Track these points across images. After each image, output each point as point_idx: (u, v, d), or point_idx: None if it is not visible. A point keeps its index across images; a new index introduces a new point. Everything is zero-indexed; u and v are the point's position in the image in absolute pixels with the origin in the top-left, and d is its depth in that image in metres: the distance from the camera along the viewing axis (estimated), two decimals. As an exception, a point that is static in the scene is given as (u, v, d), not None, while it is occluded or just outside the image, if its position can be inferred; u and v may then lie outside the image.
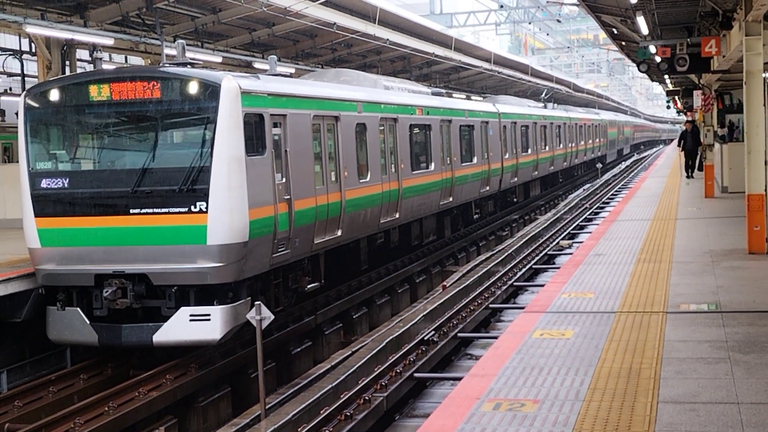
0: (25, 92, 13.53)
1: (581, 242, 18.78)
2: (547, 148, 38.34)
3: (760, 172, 13.96)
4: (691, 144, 30.18)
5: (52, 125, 13.33)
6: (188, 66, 13.61)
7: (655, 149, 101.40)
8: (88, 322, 12.67)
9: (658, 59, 20.89)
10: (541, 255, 21.48)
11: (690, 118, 35.49)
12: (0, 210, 19.73)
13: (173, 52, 16.64)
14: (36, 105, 13.16)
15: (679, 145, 32.42)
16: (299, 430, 9.90)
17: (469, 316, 15.22)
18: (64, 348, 13.91)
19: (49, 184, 12.93)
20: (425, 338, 13.58)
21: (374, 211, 17.94)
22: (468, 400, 7.09)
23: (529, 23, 56.28)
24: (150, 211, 12.47)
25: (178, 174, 12.45)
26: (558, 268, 16.34)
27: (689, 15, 18.49)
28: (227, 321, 12.42)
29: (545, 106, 42.56)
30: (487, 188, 27.82)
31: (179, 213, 12.39)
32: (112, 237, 12.58)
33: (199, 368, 12.77)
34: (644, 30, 18.65)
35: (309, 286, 15.18)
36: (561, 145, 42.08)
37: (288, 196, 13.87)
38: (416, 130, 21.37)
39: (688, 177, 30.46)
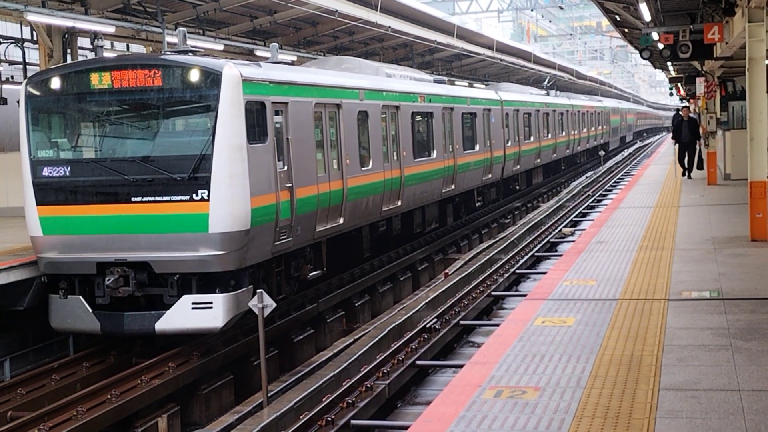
0: (26, 80, 13.52)
1: (583, 230, 18.77)
2: (549, 135, 38.27)
3: (763, 159, 13.94)
4: (688, 136, 25.33)
5: (54, 113, 13.32)
6: (189, 54, 13.59)
7: (658, 136, 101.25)
8: (90, 310, 12.69)
9: (660, 46, 20.83)
10: (543, 242, 21.46)
11: (688, 104, 34.77)
12: (2, 198, 19.75)
13: (174, 39, 16.60)
14: (37, 93, 13.15)
15: (673, 138, 26.52)
16: (301, 417, 9.91)
17: (471, 303, 15.23)
18: (66, 336, 13.95)
19: (50, 173, 12.93)
20: (427, 326, 13.59)
21: (376, 199, 17.93)
22: (469, 388, 7.09)
23: (532, 10, 56.10)
24: (152, 199, 12.48)
25: (179, 162, 12.45)
26: (560, 255, 16.34)
27: (692, 1, 18.41)
28: (229, 309, 12.43)
29: (548, 94, 42.46)
30: (490, 176, 27.79)
31: (181, 201, 12.39)
32: (113, 225, 12.59)
33: (201, 356, 12.80)
34: (647, 17, 18.57)
35: (311, 274, 15.18)
36: (564, 133, 42.00)
37: (290, 184, 13.86)
38: (418, 118, 21.33)
39: (684, 176, 26.11)
